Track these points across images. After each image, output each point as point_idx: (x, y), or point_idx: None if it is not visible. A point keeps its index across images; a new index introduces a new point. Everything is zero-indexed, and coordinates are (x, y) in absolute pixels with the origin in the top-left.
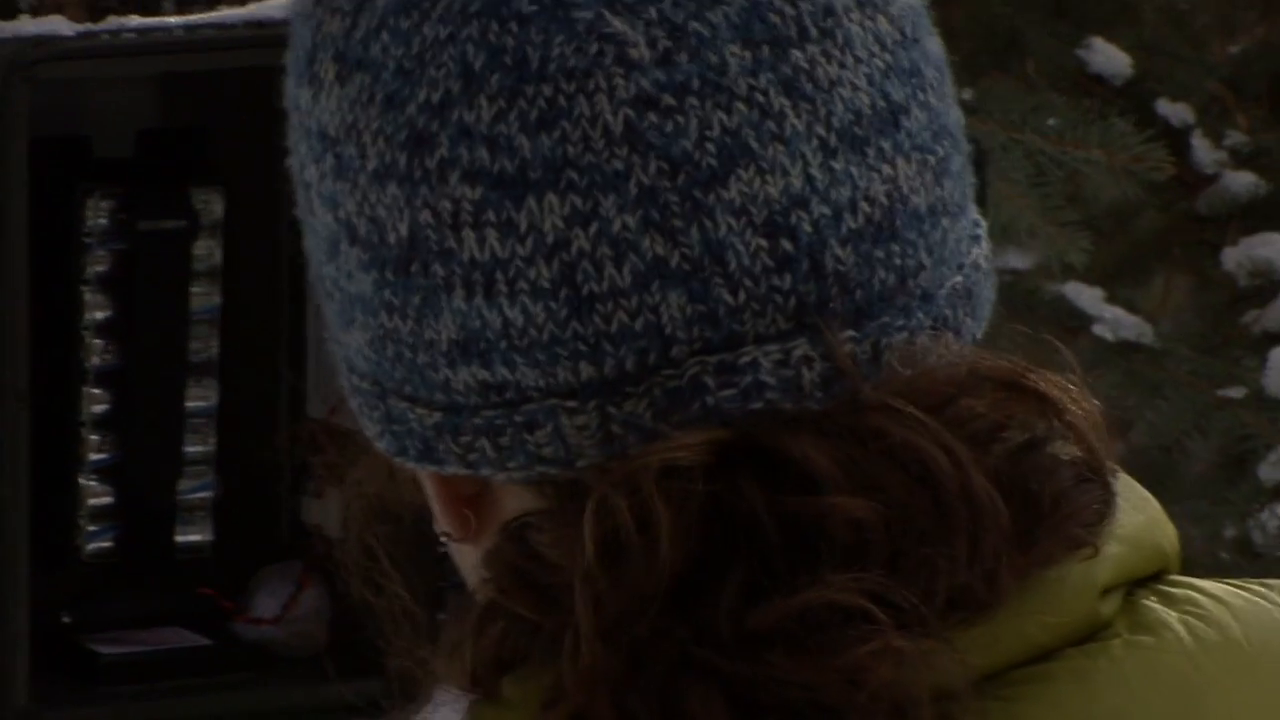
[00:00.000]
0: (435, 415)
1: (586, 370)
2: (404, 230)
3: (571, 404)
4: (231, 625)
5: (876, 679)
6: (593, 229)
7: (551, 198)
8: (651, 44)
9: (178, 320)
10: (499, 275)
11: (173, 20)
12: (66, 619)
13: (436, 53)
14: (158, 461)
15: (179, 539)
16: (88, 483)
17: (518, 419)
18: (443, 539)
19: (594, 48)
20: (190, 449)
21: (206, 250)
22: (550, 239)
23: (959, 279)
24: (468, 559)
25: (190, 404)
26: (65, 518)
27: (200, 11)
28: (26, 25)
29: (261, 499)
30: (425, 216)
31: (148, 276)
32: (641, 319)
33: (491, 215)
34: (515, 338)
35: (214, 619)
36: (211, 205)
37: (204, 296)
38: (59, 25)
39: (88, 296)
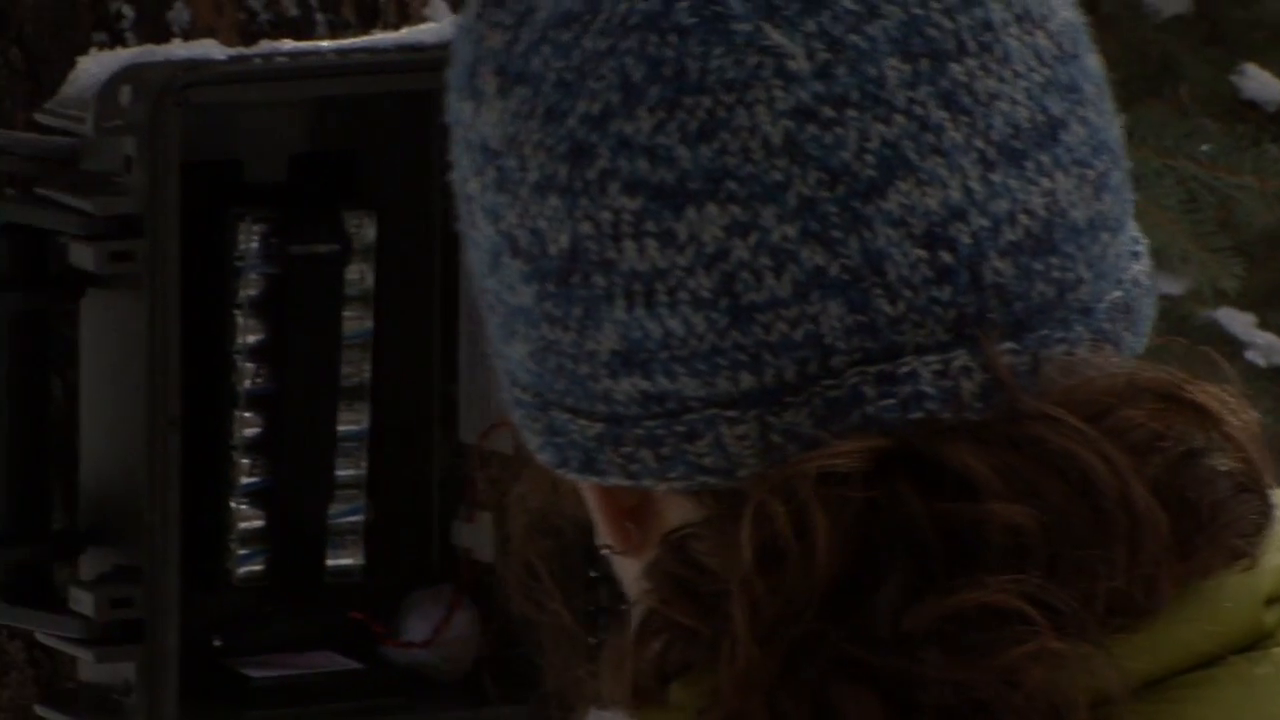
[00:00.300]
0: (597, 426)
1: (746, 380)
2: (565, 242)
3: (732, 414)
4: (382, 649)
5: (1032, 680)
6: (752, 239)
7: (711, 208)
8: (810, 56)
9: (330, 344)
10: (659, 286)
11: (325, 44)
12: (217, 642)
13: (596, 65)
14: (309, 485)
15: (330, 563)
16: (239, 506)
17: (678, 429)
18: (605, 551)
19: (753, 60)
20: (342, 473)
21: (359, 274)
22: (710, 249)
23: (1118, 294)
24: (629, 571)
25: (342, 428)
26: (216, 541)
27: (353, 36)
28: (179, 50)
29: (413, 523)
30: (586, 228)
31: (300, 301)
32: (801, 329)
33: (651, 226)
34: (676, 347)
35: (364, 643)
36: (364, 229)
37: (356, 320)
38: (211, 49)
39: (240, 320)
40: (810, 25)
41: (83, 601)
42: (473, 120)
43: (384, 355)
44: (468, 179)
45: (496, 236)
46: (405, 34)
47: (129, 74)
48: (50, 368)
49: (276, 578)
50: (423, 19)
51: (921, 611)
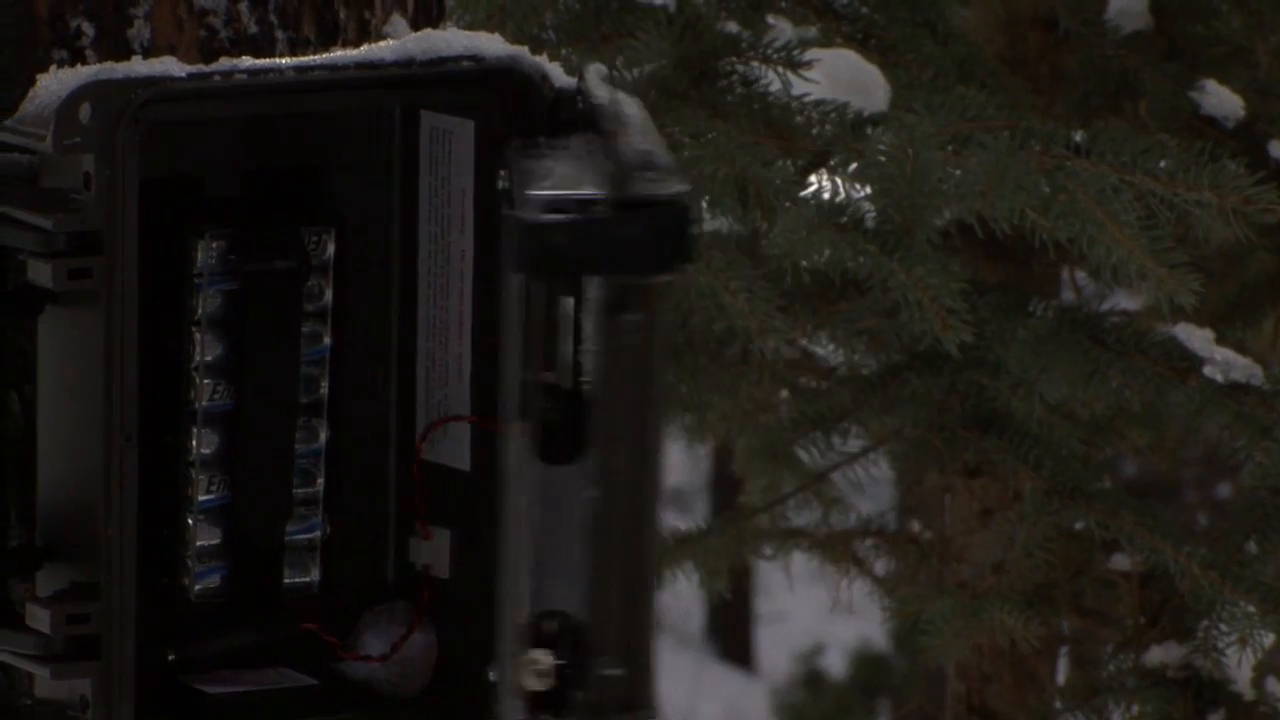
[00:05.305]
0: None
1: None
2: None
3: None
4: (338, 665)
5: None
6: None
7: None
8: None
9: (287, 360)
10: None
11: (284, 62)
12: (173, 657)
13: None
14: (266, 502)
15: (286, 580)
16: (196, 523)
17: None
18: None
19: None
20: (298, 490)
21: (317, 290)
22: None
23: None
24: None
25: (299, 445)
26: (173, 557)
27: (312, 53)
28: (138, 67)
29: (369, 540)
30: None
31: (258, 317)
32: None
33: None
34: None
35: (320, 659)
36: (322, 245)
37: (314, 337)
38: (171, 67)
39: (197, 337)
40: None
41: (39, 618)
42: None
43: (341, 371)
44: None
45: None
46: (364, 51)
47: (88, 91)
48: (8, 383)
49: (233, 593)
50: (382, 36)
51: None
